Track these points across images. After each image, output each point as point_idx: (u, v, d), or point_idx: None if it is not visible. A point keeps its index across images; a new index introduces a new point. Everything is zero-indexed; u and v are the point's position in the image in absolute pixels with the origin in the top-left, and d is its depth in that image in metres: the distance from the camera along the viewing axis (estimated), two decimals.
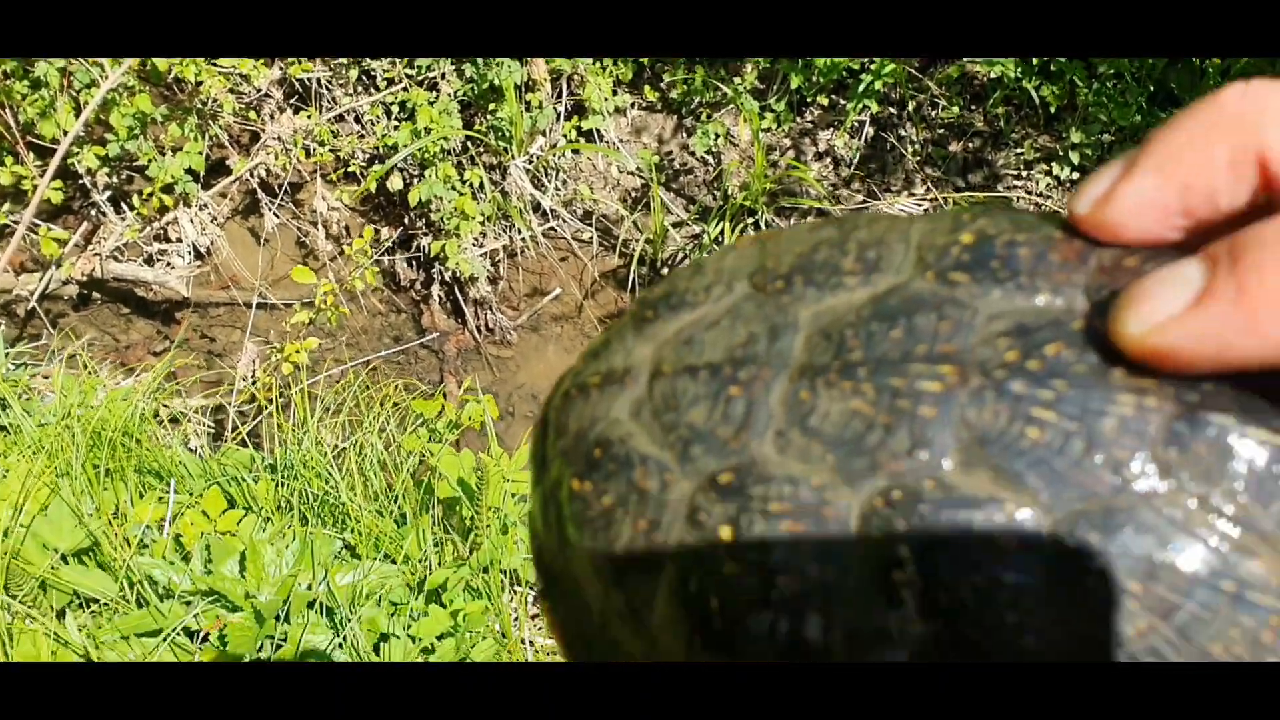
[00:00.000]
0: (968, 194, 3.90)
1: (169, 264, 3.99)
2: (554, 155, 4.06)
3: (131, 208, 3.95)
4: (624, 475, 0.41)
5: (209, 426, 3.56)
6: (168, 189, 3.89)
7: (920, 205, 3.97)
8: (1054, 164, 3.91)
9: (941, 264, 0.39)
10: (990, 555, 0.34)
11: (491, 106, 3.92)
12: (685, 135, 4.16)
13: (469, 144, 4.00)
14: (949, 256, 0.39)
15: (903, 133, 4.06)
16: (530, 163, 4.06)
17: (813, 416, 0.38)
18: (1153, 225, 0.36)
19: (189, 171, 3.86)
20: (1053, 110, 3.85)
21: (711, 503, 0.38)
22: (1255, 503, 0.33)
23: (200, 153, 3.86)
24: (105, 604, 2.46)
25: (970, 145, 4.08)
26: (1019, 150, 3.99)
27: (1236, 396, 0.34)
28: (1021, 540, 0.34)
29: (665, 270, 4.12)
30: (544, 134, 4.05)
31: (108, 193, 3.96)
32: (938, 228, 0.41)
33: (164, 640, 2.30)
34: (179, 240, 4.02)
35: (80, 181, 3.91)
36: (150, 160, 3.81)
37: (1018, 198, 3.94)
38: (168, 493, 2.70)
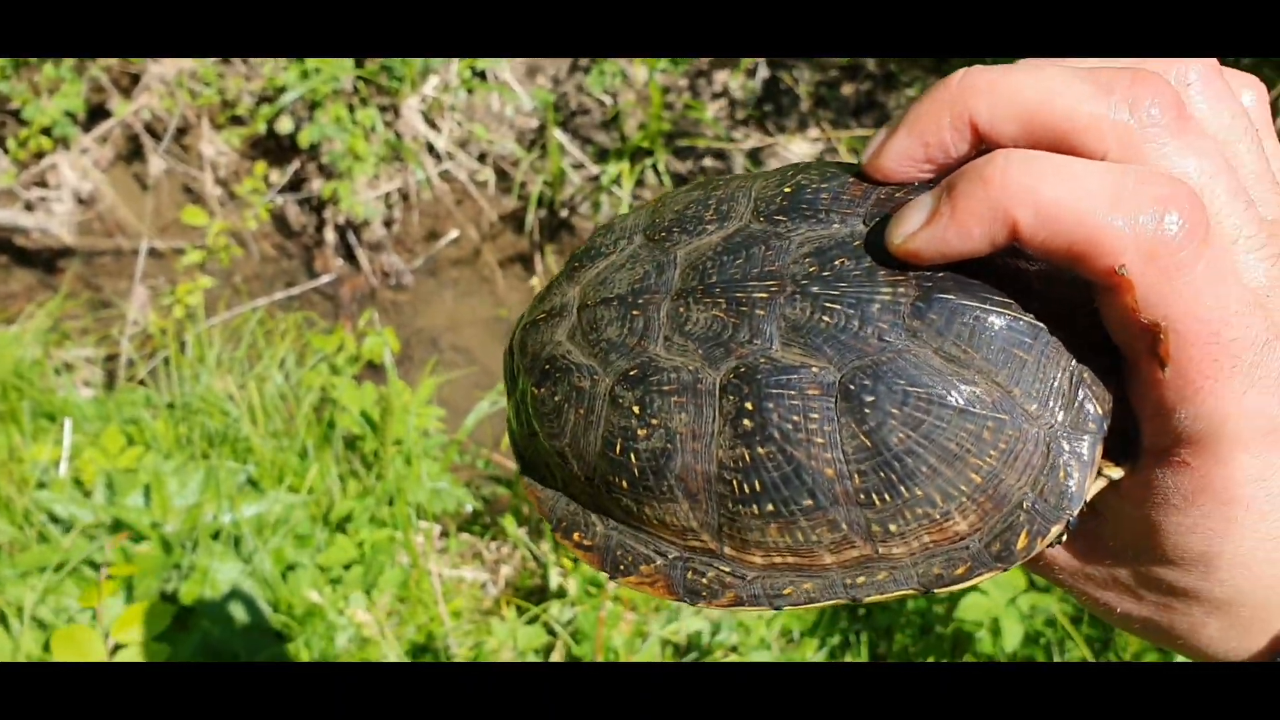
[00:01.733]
0: (860, 134, 3.97)
1: (49, 210, 3.86)
2: (448, 95, 4.02)
3: (6, 152, 3.81)
4: (566, 379, 0.59)
5: (102, 375, 3.46)
6: (46, 132, 3.75)
7: (815, 145, 4.04)
8: None
9: (769, 210, 0.57)
10: (802, 400, 0.51)
11: None
12: (582, 75, 4.16)
13: (360, 84, 3.93)
14: (774, 204, 0.57)
15: (796, 74, 4.12)
16: (424, 103, 4.02)
17: (688, 324, 0.55)
18: (909, 169, 0.53)
19: (68, 114, 3.73)
20: None
21: (625, 389, 0.56)
22: (971, 348, 0.50)
23: (79, 94, 3.73)
24: (1, 545, 2.40)
25: (862, 88, 4.16)
26: (910, 91, 4.08)
27: (957, 280, 0.50)
28: (822, 389, 0.51)
29: (564, 213, 4.12)
30: (437, 73, 4.01)
31: None
32: (770, 183, 0.58)
33: (66, 573, 2.25)
34: (59, 186, 3.89)
35: None
36: (25, 102, 3.67)
37: None
38: (63, 434, 2.63)
